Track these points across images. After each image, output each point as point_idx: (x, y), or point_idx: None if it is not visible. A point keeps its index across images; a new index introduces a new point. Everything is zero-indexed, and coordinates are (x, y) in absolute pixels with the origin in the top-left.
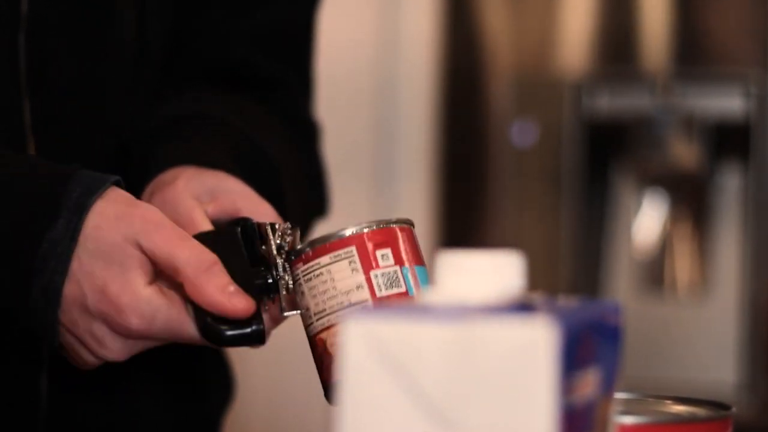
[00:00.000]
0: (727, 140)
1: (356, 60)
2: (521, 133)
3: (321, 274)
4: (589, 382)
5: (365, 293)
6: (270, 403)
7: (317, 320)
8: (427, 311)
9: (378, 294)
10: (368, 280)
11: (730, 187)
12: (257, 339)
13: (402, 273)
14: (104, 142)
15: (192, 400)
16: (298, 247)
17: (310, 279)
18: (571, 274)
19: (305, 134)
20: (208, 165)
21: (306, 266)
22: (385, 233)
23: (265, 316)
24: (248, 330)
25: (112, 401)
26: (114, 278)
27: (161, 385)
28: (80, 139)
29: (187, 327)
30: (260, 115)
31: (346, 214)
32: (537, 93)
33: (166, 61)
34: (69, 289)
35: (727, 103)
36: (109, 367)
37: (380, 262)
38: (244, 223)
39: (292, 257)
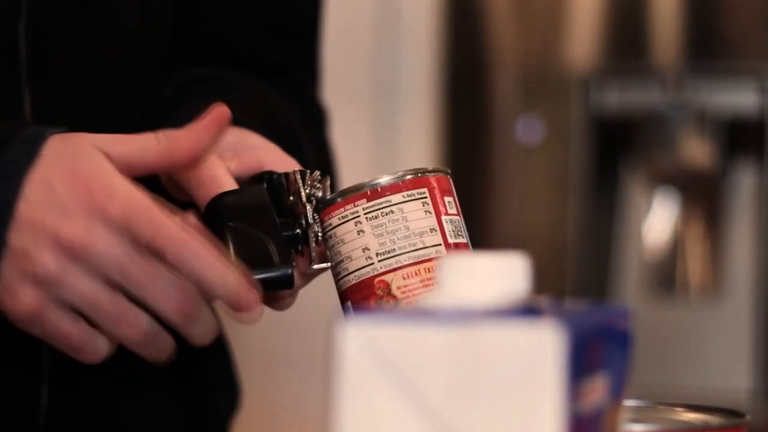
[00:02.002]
0: (741, 137)
1: (356, 55)
2: (527, 130)
3: (392, 212)
4: (597, 389)
5: (438, 237)
6: (269, 410)
7: (380, 261)
8: (428, 314)
9: (449, 240)
10: (440, 224)
11: (744, 185)
12: (286, 283)
13: (462, 223)
14: (107, 131)
15: (199, 408)
16: (328, 196)
17: (376, 216)
18: (578, 277)
19: (314, 119)
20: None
21: (372, 203)
22: (446, 181)
23: (294, 271)
24: (279, 273)
25: (116, 411)
26: (85, 164)
27: (166, 394)
28: (82, 130)
29: (175, 223)
30: (271, 90)
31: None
32: (543, 88)
33: (169, 51)
34: (33, 184)
35: (740, 98)
36: (112, 376)
37: (447, 208)
38: (270, 176)
39: (321, 207)
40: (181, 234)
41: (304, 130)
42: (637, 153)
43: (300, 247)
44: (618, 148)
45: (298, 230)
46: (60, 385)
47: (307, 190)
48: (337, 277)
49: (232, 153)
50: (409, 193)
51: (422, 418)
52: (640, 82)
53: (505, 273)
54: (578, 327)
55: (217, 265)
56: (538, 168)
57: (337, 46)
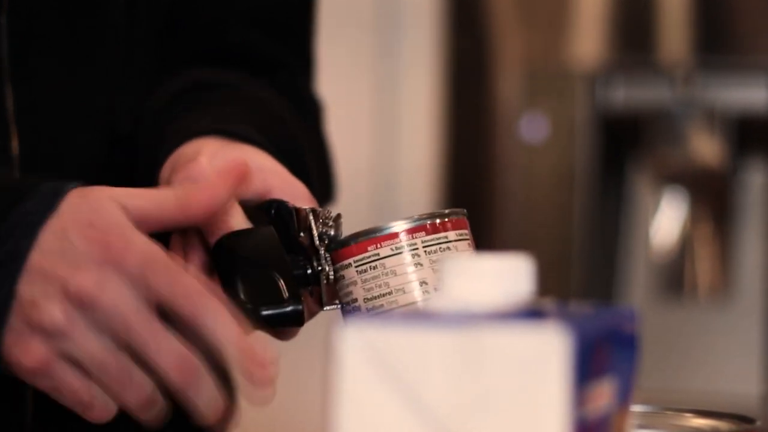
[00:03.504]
0: (752, 135)
1: (356, 51)
2: (531, 128)
3: (449, 248)
4: (604, 394)
5: None
6: (265, 416)
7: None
8: (429, 318)
9: None
10: None
11: (755, 184)
12: (296, 319)
13: None
14: (93, 130)
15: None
16: (342, 237)
17: (435, 251)
18: (583, 278)
19: (310, 112)
20: (234, 136)
21: (431, 237)
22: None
23: (304, 308)
24: (288, 309)
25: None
26: (103, 218)
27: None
28: (67, 128)
29: (192, 277)
30: (268, 89)
31: (343, 212)
32: (548, 84)
33: (160, 45)
34: (48, 233)
35: (751, 95)
36: None
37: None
38: (278, 205)
39: (334, 248)
40: (201, 292)
41: (303, 131)
42: (644, 151)
43: (310, 288)
44: (625, 146)
45: (309, 270)
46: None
47: (320, 229)
48: (378, 310)
49: None
50: (460, 232)
51: (424, 425)
52: (647, 78)
53: (508, 274)
54: (584, 330)
55: (232, 328)
56: (542, 167)
57: (337, 47)
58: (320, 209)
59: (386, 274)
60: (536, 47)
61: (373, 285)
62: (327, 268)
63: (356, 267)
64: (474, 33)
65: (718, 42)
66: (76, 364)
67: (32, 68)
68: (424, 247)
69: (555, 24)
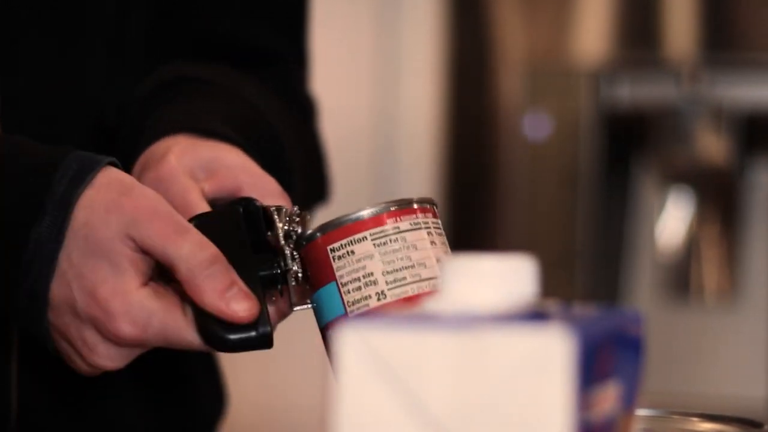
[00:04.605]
0: (759, 133)
1: (356, 47)
2: (534, 126)
3: (441, 234)
4: (609, 397)
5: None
6: (262, 415)
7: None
8: (430, 319)
9: None
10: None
11: (762, 183)
12: (263, 343)
13: None
14: (80, 124)
15: (180, 412)
16: (308, 232)
17: (441, 234)
18: (588, 280)
19: (303, 110)
20: (205, 133)
21: (437, 220)
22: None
23: (272, 309)
24: (253, 333)
25: (90, 415)
26: (104, 280)
27: (145, 398)
28: (53, 122)
29: (185, 333)
30: (256, 85)
31: (343, 210)
32: (551, 81)
33: (151, 38)
34: (58, 291)
35: (759, 92)
36: (86, 379)
37: None
38: (247, 204)
39: (303, 243)
40: None
41: (288, 126)
42: (649, 150)
43: (279, 287)
44: (630, 145)
45: (277, 270)
46: (31, 389)
47: (286, 227)
48: (401, 283)
49: (208, 172)
50: (436, 221)
51: (424, 428)
52: (653, 75)
53: (511, 276)
54: (588, 333)
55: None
56: (545, 165)
57: (336, 48)
58: (285, 206)
59: (407, 248)
60: (539, 44)
61: (395, 258)
62: (295, 267)
63: (373, 240)
64: (476, 30)
65: (725, 38)
66: None
67: (19, 60)
68: (434, 228)
69: (559, 20)
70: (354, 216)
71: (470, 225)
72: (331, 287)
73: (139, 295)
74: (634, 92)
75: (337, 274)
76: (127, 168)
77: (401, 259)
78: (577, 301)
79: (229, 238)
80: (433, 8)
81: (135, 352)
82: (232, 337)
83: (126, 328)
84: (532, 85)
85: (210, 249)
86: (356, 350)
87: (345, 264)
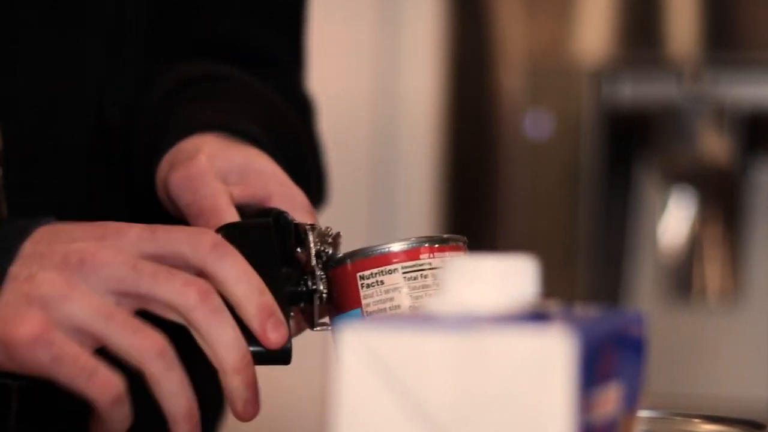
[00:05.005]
0: (762, 132)
1: (356, 44)
2: (535, 125)
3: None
4: (610, 399)
5: None
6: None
7: None
8: (430, 320)
9: None
10: None
11: (765, 183)
12: (283, 359)
13: None
14: (80, 123)
15: None
16: (339, 256)
17: (415, 278)
18: (589, 280)
19: (303, 110)
20: (237, 133)
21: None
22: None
23: (291, 324)
24: (276, 350)
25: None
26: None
27: (145, 399)
28: (52, 122)
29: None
30: (265, 85)
31: (340, 214)
32: (552, 80)
33: (150, 38)
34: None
35: (762, 91)
36: None
37: None
38: (278, 217)
39: (331, 266)
40: (217, 244)
41: (302, 131)
42: (651, 149)
43: (303, 305)
44: (632, 144)
45: (303, 288)
46: (30, 387)
47: (318, 246)
48: None
49: (238, 176)
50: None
51: (425, 430)
52: (654, 73)
53: (511, 276)
54: (590, 334)
55: (251, 281)
56: (547, 165)
57: (335, 46)
58: (319, 226)
59: (434, 285)
60: (541, 42)
61: (423, 294)
62: (321, 287)
63: (404, 273)
64: (477, 28)
65: (727, 37)
66: (76, 331)
67: (18, 59)
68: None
69: (560, 18)
70: (388, 247)
71: (471, 225)
72: (355, 313)
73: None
74: (635, 91)
75: (364, 302)
76: (148, 166)
77: (430, 295)
78: (578, 302)
79: (259, 251)
80: (434, 7)
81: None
82: (253, 349)
83: (133, 229)
84: (533, 84)
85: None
86: (356, 351)
87: (373, 293)
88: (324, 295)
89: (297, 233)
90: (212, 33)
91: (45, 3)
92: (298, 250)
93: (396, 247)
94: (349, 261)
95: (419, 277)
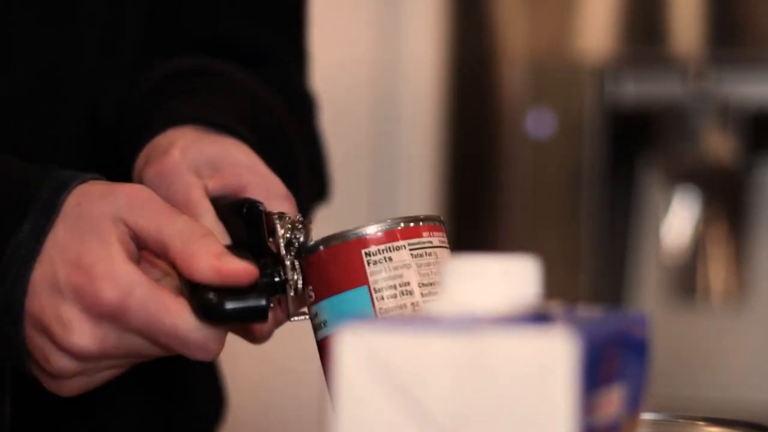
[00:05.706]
0: (767, 131)
1: (356, 42)
2: (537, 124)
3: (433, 253)
4: (613, 401)
5: None
6: (262, 416)
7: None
8: (431, 322)
9: None
10: None
11: None
12: (259, 312)
13: None
14: (78, 124)
15: (180, 413)
16: (311, 243)
17: (421, 255)
18: (592, 281)
19: (303, 108)
20: (212, 125)
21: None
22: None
23: (270, 315)
24: (250, 303)
25: (87, 421)
26: (90, 250)
27: (143, 405)
28: (46, 120)
29: (168, 316)
30: (261, 82)
31: (341, 211)
32: (554, 78)
33: (149, 37)
34: (39, 272)
35: (766, 90)
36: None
37: None
38: (249, 207)
39: (303, 254)
40: (176, 329)
41: (295, 126)
42: (655, 148)
43: (278, 296)
44: (635, 143)
45: (276, 278)
46: (24, 397)
47: (288, 235)
48: (434, 297)
49: (213, 169)
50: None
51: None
52: (658, 72)
53: (513, 277)
54: (592, 335)
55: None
56: (549, 164)
57: (334, 49)
58: (288, 214)
59: (437, 263)
60: (543, 40)
61: (428, 271)
62: (295, 277)
63: (411, 250)
64: (479, 26)
65: (732, 35)
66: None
67: (11, 57)
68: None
69: (563, 16)
70: (392, 223)
71: (472, 225)
72: (360, 292)
73: (125, 264)
74: (639, 89)
75: (371, 279)
76: (131, 160)
77: (434, 273)
78: (581, 303)
79: (234, 243)
80: (435, 5)
81: (112, 336)
82: (228, 305)
83: (108, 289)
84: (535, 82)
85: (202, 225)
86: (356, 353)
87: (381, 269)
88: (299, 285)
89: (268, 222)
90: (212, 33)
91: (42, 3)
92: (270, 239)
93: (401, 222)
94: (322, 248)
95: (424, 255)
